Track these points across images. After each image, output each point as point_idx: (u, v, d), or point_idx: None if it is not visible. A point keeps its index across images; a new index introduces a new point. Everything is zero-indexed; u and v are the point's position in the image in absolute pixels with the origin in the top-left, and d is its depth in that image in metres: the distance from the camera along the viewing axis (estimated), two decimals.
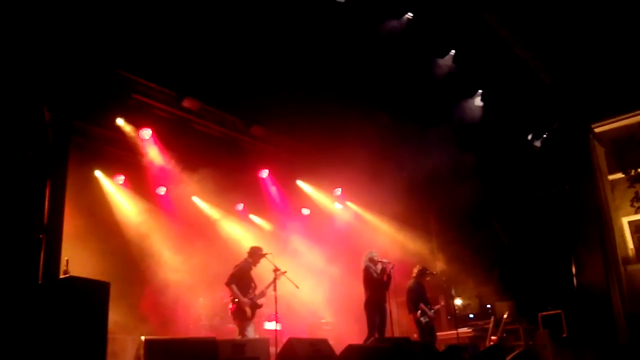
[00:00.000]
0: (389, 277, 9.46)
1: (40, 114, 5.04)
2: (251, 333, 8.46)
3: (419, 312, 9.92)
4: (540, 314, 11.16)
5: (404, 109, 11.55)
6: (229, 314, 8.88)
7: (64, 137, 5.50)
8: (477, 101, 12.00)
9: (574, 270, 12.02)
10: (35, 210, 4.66)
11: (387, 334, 9.36)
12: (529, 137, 13.15)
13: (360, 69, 10.40)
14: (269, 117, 10.94)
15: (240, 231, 12.25)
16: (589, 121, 14.52)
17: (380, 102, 11.24)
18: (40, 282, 4.60)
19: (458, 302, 13.38)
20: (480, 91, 11.95)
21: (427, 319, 9.89)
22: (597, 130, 15.12)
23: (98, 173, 10.79)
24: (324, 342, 7.18)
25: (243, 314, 8.37)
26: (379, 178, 12.53)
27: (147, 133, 10.22)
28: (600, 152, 15.01)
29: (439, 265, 13.39)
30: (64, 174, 5.10)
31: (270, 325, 9.71)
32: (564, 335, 10.62)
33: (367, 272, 9.46)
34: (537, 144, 13.33)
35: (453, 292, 12.19)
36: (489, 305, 12.32)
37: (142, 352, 5.57)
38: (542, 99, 12.47)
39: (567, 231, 12.50)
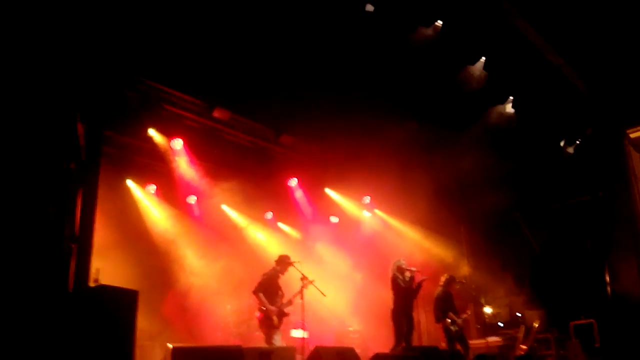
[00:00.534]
0: (419, 285, 9.46)
1: (73, 124, 5.18)
2: (278, 341, 8.50)
3: (449, 320, 9.85)
4: (572, 323, 10.94)
5: (434, 116, 11.49)
6: (256, 322, 8.97)
7: (96, 148, 5.64)
8: (509, 108, 11.86)
9: (607, 278, 11.76)
10: (67, 220, 4.79)
11: (415, 343, 9.33)
12: (562, 143, 12.94)
13: (389, 76, 10.40)
14: (298, 126, 11.03)
15: (269, 239, 12.36)
16: (624, 126, 14.21)
17: (410, 109, 11.21)
18: (70, 290, 4.72)
19: (488, 310, 13.22)
20: (511, 97, 11.82)
21: (456, 328, 9.81)
22: (632, 135, 14.77)
23: (129, 182, 11.04)
24: (350, 351, 7.20)
25: (270, 323, 8.42)
26: (408, 185, 12.49)
27: (178, 143, 10.41)
28: (635, 157, 14.65)
29: (468, 273, 13.25)
30: (95, 184, 5.23)
31: (297, 333, 9.77)
32: (597, 346, 10.40)
33: (395, 281, 9.46)
34: (570, 150, 13.10)
35: (482, 300, 12.06)
36: (519, 314, 12.14)
37: (169, 359, 5.68)
38: (575, 104, 12.26)
39: (601, 238, 12.24)
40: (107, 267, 7.63)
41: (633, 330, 11.00)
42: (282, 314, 8.61)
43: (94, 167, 5.41)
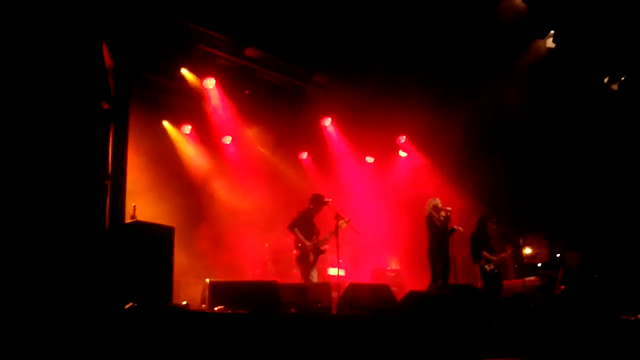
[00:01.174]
0: (453, 230, 9.37)
1: (102, 64, 5.12)
2: (315, 278, 8.62)
3: (483, 259, 9.80)
4: (613, 264, 10.74)
5: (472, 52, 11.08)
6: (293, 259, 9.07)
7: (127, 85, 5.60)
8: (549, 42, 11.33)
9: None
10: (100, 157, 4.81)
11: (451, 282, 9.32)
12: (606, 80, 12.37)
13: (426, 10, 10.01)
14: (332, 64, 10.80)
15: (304, 179, 12.34)
16: None
17: (447, 45, 10.80)
18: (107, 227, 4.78)
19: (527, 251, 13.07)
20: (552, 31, 11.27)
21: (491, 267, 9.74)
22: None
23: (166, 123, 11.09)
24: (385, 288, 7.22)
25: (306, 259, 8.52)
26: (444, 124, 12.25)
27: (211, 82, 10.34)
28: None
29: (507, 214, 13.05)
30: (126, 122, 5.23)
31: (334, 272, 9.85)
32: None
33: (430, 220, 9.40)
34: (615, 87, 12.52)
35: (521, 241, 11.91)
36: (558, 255, 11.96)
37: (207, 293, 5.78)
38: (621, 38, 11.63)
39: None
40: (144, 206, 7.74)
41: None
42: (318, 251, 8.69)
43: (124, 105, 5.38)
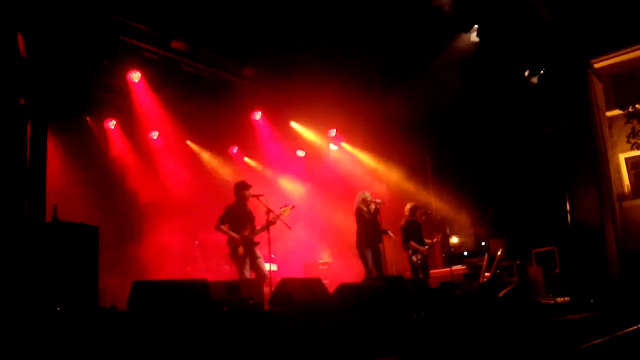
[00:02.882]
0: (376, 210, 9.51)
1: (18, 56, 4.88)
2: (260, 269, 8.41)
3: (410, 250, 10.08)
4: (534, 251, 11.27)
5: (400, 45, 11.26)
6: (227, 257, 8.94)
7: (46, 79, 5.35)
8: (473, 37, 11.69)
9: (568, 207, 12.05)
10: (17, 155, 4.58)
11: (383, 274, 9.49)
12: (526, 73, 12.90)
13: (354, 4, 10.08)
14: (261, 57, 10.72)
15: (235, 174, 12.23)
16: (588, 56, 14.22)
17: (376, 38, 10.93)
18: (27, 228, 4.57)
19: (454, 240, 13.50)
20: (476, 26, 11.63)
21: (418, 257, 10.02)
22: (596, 65, 14.81)
23: (89, 118, 10.70)
24: (317, 282, 7.24)
25: (236, 253, 8.36)
26: (373, 117, 12.43)
27: (136, 76, 10.05)
28: (599, 88, 14.76)
29: (434, 203, 13.42)
30: (45, 117, 5.00)
31: (266, 266, 9.81)
32: (557, 271, 10.75)
33: (359, 213, 9.53)
34: (534, 80, 13.08)
35: (447, 230, 12.27)
36: (483, 243, 12.42)
37: (132, 294, 5.61)
38: (540, 34, 12.14)
39: (563, 168, 12.46)
40: (66, 205, 7.45)
41: (591, 256, 11.41)
42: (249, 243, 8.46)
43: (42, 100, 5.14)
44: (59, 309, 4.25)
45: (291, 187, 12.93)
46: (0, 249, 4.18)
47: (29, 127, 4.82)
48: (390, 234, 9.76)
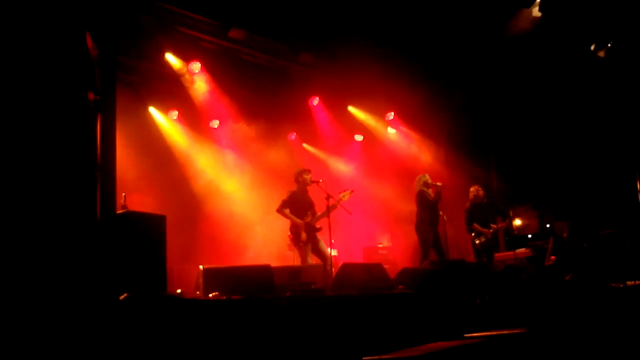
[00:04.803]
0: (438, 194, 9.41)
1: (86, 52, 5.05)
2: (324, 254, 8.46)
3: (474, 233, 9.91)
4: (601, 233, 10.88)
5: (460, 26, 11.00)
6: (288, 242, 9.05)
7: (111, 74, 5.53)
8: (535, 11, 11.29)
9: (638, 187, 11.54)
10: (89, 148, 4.77)
11: (444, 258, 9.41)
12: (592, 47, 12.37)
13: None
14: (318, 43, 10.74)
15: (293, 160, 12.33)
16: None
17: (434, 19, 10.72)
18: (98, 218, 4.76)
19: (517, 222, 13.19)
20: (538, 0, 11.22)
21: (481, 240, 9.85)
22: None
23: (152, 110, 11.02)
24: (378, 267, 7.27)
25: (299, 239, 8.42)
26: (434, 100, 12.26)
27: (196, 66, 10.25)
28: None
29: (497, 186, 13.15)
30: (113, 111, 5.17)
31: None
32: (627, 254, 10.35)
33: (422, 195, 9.42)
34: (601, 54, 12.52)
35: (511, 212, 12.00)
36: (548, 225, 12.09)
37: (201, 280, 5.80)
38: (606, 4, 11.61)
39: (632, 147, 11.93)
40: (135, 195, 7.74)
41: None
42: (312, 229, 8.51)
43: (110, 94, 5.32)
44: (129, 294, 4.44)
45: (349, 172, 12.94)
46: (76, 241, 4.37)
47: (99, 121, 5.00)
48: (445, 217, 9.63)
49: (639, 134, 11.78)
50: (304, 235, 8.41)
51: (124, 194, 5.94)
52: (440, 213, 9.54)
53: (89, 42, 5.09)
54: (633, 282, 9.10)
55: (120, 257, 4.93)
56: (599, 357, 4.81)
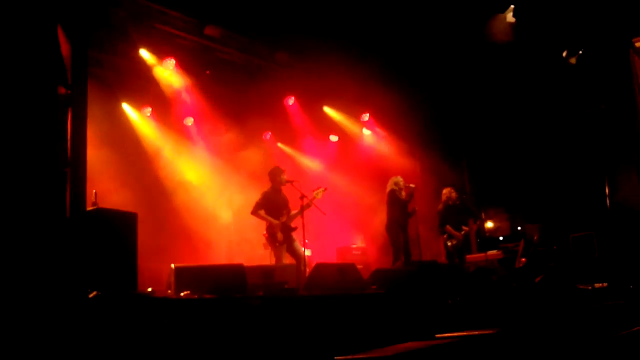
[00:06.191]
0: (411, 195, 9.49)
1: (56, 44, 4.95)
2: (298, 254, 8.44)
3: (446, 234, 10.01)
4: (571, 236, 11.06)
5: (434, 28, 11.09)
6: (263, 241, 8.99)
7: (83, 68, 5.43)
8: (509, 17, 11.43)
9: (607, 191, 11.76)
10: (59, 143, 4.68)
11: (416, 258, 9.46)
12: (564, 54, 12.57)
13: None
14: (294, 42, 10.72)
15: (269, 160, 12.29)
16: (630, 35, 13.77)
17: (409, 22, 10.79)
18: (67, 215, 4.68)
19: (489, 224, 13.35)
20: (512, 6, 11.37)
21: (452, 242, 9.95)
22: (638, 44, 14.36)
23: (125, 106, 10.86)
24: (351, 267, 7.26)
25: (274, 239, 8.41)
26: (408, 103, 12.32)
27: (170, 63, 10.15)
28: None
29: (469, 188, 13.28)
30: (84, 106, 5.08)
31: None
32: (595, 256, 10.55)
33: (393, 195, 9.47)
34: (573, 61, 12.73)
35: (482, 215, 12.13)
36: (519, 228, 12.26)
37: (172, 279, 5.73)
38: (579, 11, 11.81)
39: (602, 152, 12.15)
40: (105, 192, 7.63)
41: (630, 241, 11.14)
42: (288, 229, 8.49)
43: (81, 88, 5.22)
44: (98, 293, 4.37)
45: (324, 172, 12.94)
46: (44, 238, 4.29)
47: (69, 115, 4.90)
48: (416, 208, 9.67)
49: (608, 139, 12.02)
50: (280, 235, 8.40)
51: (94, 191, 5.84)
52: (416, 208, 9.59)
53: (60, 34, 5.00)
54: (601, 284, 9.28)
55: (90, 255, 4.85)
56: (568, 358, 4.88)
